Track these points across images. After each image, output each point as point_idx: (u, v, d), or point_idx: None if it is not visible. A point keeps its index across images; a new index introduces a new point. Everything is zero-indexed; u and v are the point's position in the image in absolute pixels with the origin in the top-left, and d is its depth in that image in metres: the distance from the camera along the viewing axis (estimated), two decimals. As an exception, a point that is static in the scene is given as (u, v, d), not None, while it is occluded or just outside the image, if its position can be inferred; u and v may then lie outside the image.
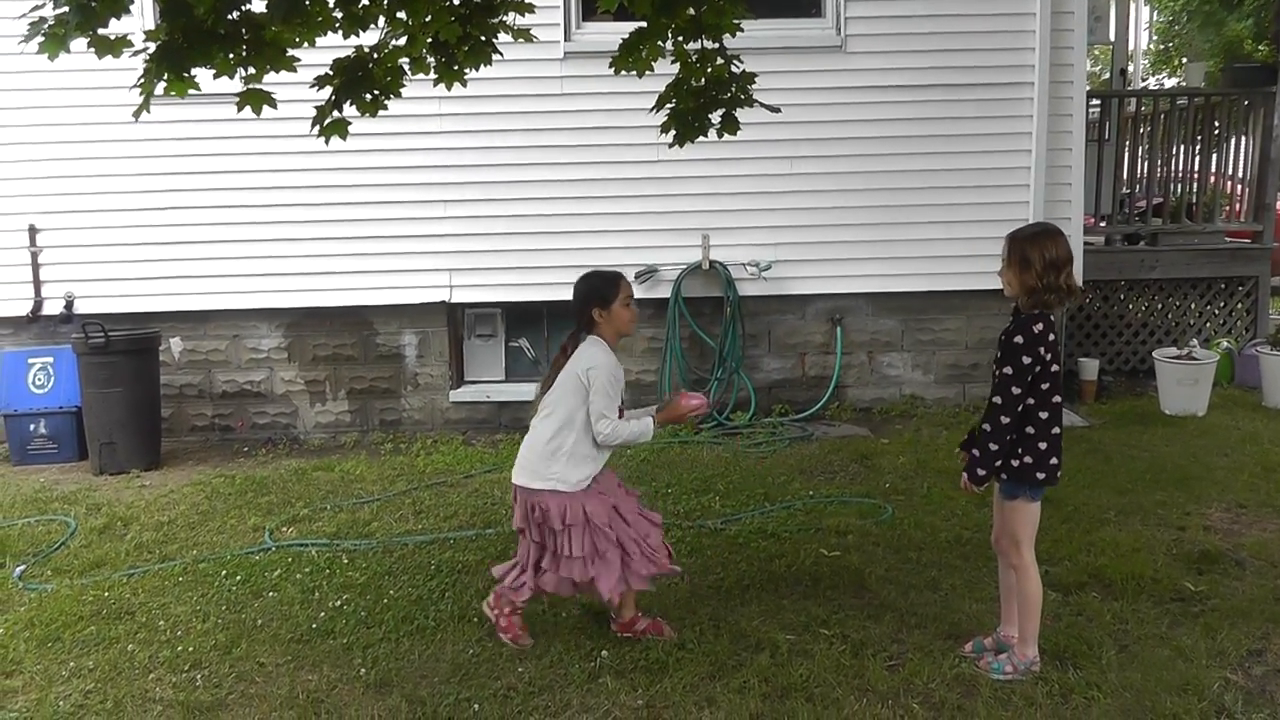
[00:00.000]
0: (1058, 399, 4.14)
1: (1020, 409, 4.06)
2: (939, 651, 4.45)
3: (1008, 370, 4.04)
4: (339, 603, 5.19)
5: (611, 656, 4.49)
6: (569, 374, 4.54)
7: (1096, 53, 21.16)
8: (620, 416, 4.57)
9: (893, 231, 8.86)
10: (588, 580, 4.49)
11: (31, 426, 8.42)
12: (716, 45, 4.80)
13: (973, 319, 9.09)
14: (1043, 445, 4.10)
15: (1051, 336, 4.08)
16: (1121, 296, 10.11)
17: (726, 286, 8.76)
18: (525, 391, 9.01)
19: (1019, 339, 4.03)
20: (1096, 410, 8.86)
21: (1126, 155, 10.52)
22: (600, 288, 4.60)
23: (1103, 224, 10.33)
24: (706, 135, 5.01)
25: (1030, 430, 4.10)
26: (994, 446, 4.09)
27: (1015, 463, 4.12)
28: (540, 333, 9.22)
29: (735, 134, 4.97)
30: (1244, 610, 4.77)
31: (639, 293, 8.69)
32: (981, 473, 4.13)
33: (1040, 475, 4.12)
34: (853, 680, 4.24)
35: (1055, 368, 4.10)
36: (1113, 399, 9.23)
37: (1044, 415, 4.10)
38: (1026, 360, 4.02)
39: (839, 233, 8.88)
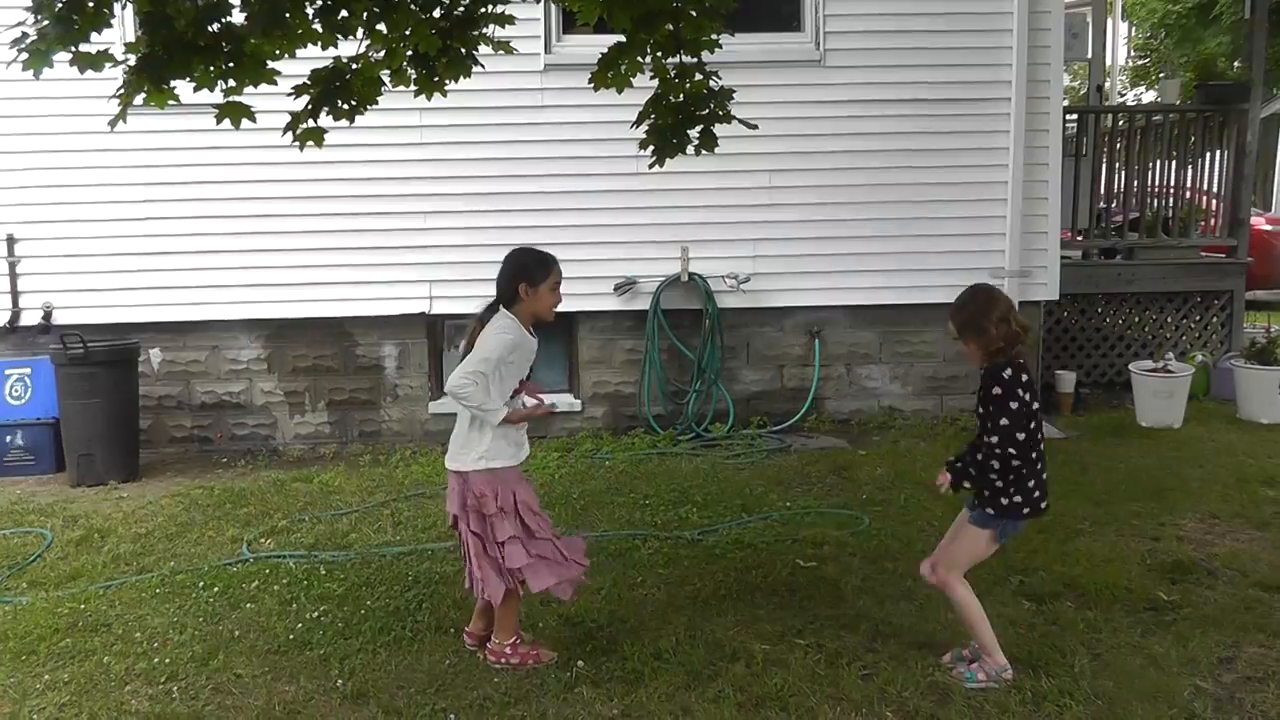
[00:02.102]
0: (1041, 435, 4.23)
1: (1027, 448, 4.13)
2: (913, 661, 4.48)
3: (1004, 421, 4.10)
4: (316, 614, 5.19)
5: (588, 666, 4.50)
6: None
7: (1074, 68, 21.33)
8: (520, 391, 4.60)
9: (871, 244, 8.91)
10: (519, 568, 4.45)
11: (8, 438, 8.37)
12: (695, 61, 4.83)
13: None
14: (1031, 483, 4.20)
15: (1025, 377, 4.15)
16: (1098, 310, 10.18)
17: (705, 299, 8.79)
18: (505, 403, 9.02)
19: (997, 390, 4.12)
20: (1073, 422, 8.92)
21: (1104, 170, 10.60)
22: (532, 266, 4.61)
23: (1080, 238, 10.40)
24: (685, 152, 5.04)
25: (1024, 470, 4.17)
26: (994, 478, 4.18)
27: (1004, 500, 4.19)
28: (520, 344, 9.21)
29: (713, 151, 5.00)
30: (1215, 619, 4.83)
31: (617, 305, 8.75)
32: (967, 485, 4.25)
33: (1026, 510, 4.22)
34: (827, 689, 4.26)
35: (1035, 405, 4.18)
36: (1089, 411, 9.30)
37: (1033, 455, 4.18)
38: (1014, 405, 4.10)
39: (818, 245, 8.92)
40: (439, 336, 9.12)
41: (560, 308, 8.52)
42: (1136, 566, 5.50)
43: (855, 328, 9.17)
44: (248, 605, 5.36)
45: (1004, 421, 4.10)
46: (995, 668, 4.27)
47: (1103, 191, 10.62)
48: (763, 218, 8.89)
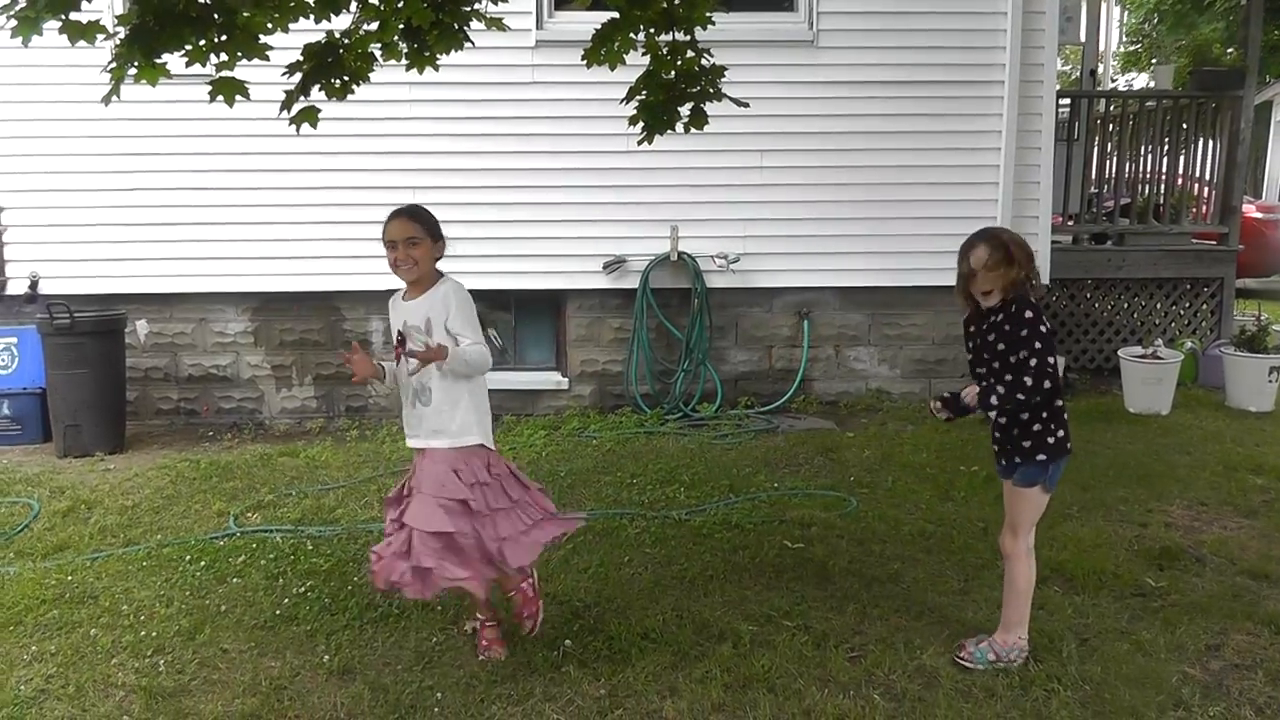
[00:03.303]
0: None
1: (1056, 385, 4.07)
2: (901, 643, 4.48)
3: (1039, 347, 4.01)
4: (303, 589, 5.18)
5: (575, 645, 4.50)
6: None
7: (1067, 52, 21.32)
8: (401, 354, 4.45)
9: (861, 226, 8.89)
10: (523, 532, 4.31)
11: (-6, 407, 8.37)
12: (688, 38, 4.80)
13: (940, 314, 9.11)
14: (1066, 416, 4.18)
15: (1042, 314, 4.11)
16: (1088, 295, 10.19)
17: (694, 278, 8.77)
18: (493, 379, 8.93)
19: (1029, 314, 4.05)
20: (1061, 407, 8.90)
21: (1095, 155, 10.59)
22: None
23: (1070, 223, 10.40)
24: (675, 129, 5.01)
25: (1059, 404, 4.15)
26: (1020, 396, 4.03)
27: (1051, 439, 4.14)
28: (508, 321, 9.20)
29: (702, 129, 4.98)
30: (1203, 606, 4.84)
31: (606, 283, 8.72)
32: (995, 402, 4.07)
33: (1069, 445, 4.18)
34: (814, 671, 4.26)
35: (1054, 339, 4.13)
36: (1078, 396, 9.29)
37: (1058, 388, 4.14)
38: (1044, 330, 4.04)
39: (808, 226, 8.89)
40: (427, 312, 9.07)
41: (548, 285, 8.61)
42: (1124, 552, 5.51)
43: (844, 309, 9.15)
44: (234, 580, 5.35)
45: (1039, 348, 4.01)
46: (1006, 647, 4.26)
47: (1094, 177, 10.61)
48: (753, 198, 8.86)
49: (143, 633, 4.73)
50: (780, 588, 5.10)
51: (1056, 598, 4.93)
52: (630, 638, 4.53)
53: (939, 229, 8.72)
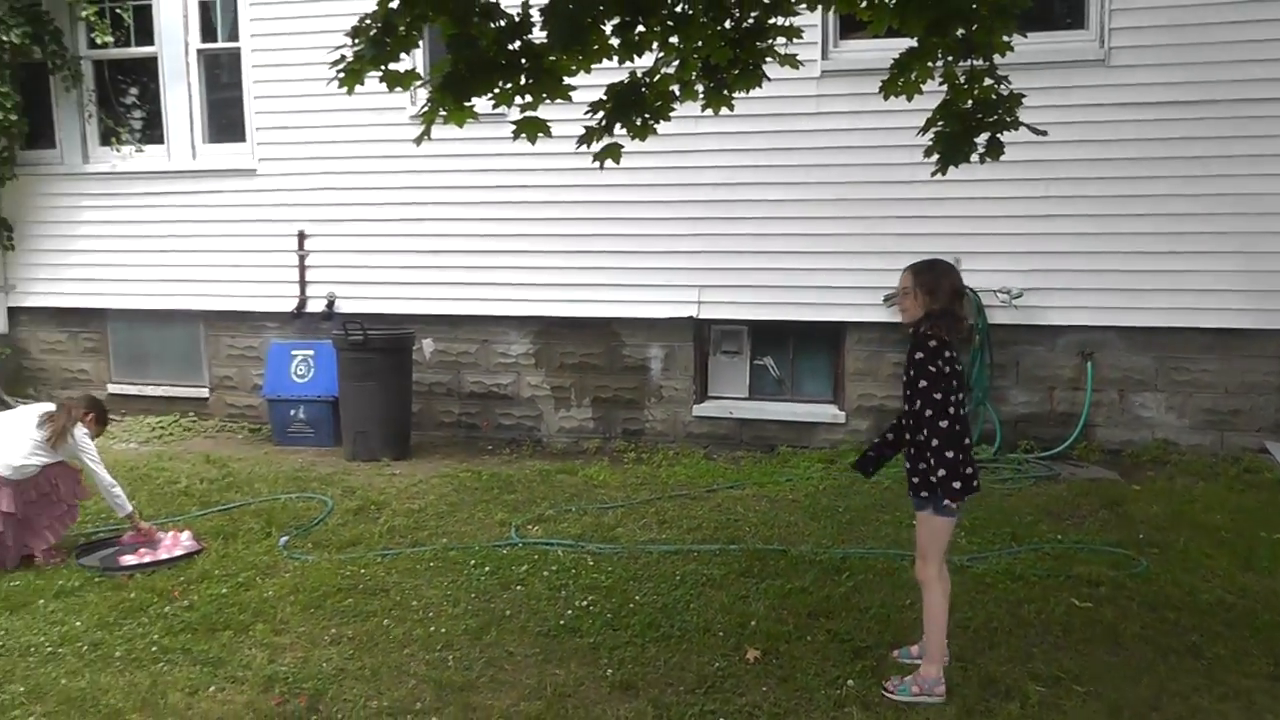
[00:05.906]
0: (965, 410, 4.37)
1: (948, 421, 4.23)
2: (1202, 723, 4.16)
3: (923, 383, 4.24)
4: (585, 603, 5.32)
5: (857, 686, 4.43)
6: None
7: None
8: None
9: (1150, 261, 8.34)
10: None
11: (292, 411, 9.09)
12: (986, 65, 4.70)
13: (1233, 360, 8.40)
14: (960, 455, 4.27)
15: (948, 352, 4.27)
16: None
17: (976, 313, 8.48)
18: (769, 410, 9.03)
19: (919, 355, 4.27)
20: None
21: None
22: None
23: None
24: (970, 160, 4.89)
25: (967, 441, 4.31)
26: (949, 455, 4.22)
27: (957, 484, 4.25)
28: (786, 352, 9.20)
29: (998, 159, 4.86)
30: None
31: (885, 316, 8.54)
32: (958, 486, 4.22)
33: (976, 484, 4.34)
34: (1109, 743, 4.03)
35: (956, 381, 4.29)
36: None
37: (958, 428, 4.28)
38: (933, 369, 4.23)
39: (1092, 260, 8.42)
40: (705, 341, 9.17)
41: (827, 317, 8.64)
42: None
43: (1129, 351, 8.61)
44: (518, 587, 5.57)
45: (923, 383, 4.25)
46: (928, 680, 4.27)
47: None
48: (1037, 229, 8.48)
49: (432, 628, 5.02)
50: (1068, 648, 4.85)
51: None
52: (915, 683, 4.42)
53: (1236, 265, 8.11)
